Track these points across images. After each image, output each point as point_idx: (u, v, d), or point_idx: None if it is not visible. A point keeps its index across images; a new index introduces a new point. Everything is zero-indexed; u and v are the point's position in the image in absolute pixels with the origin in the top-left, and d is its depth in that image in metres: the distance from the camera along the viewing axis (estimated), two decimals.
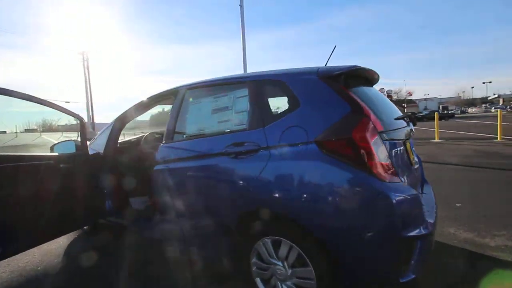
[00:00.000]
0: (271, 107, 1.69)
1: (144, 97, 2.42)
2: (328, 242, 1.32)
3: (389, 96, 23.60)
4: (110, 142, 2.71)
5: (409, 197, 1.32)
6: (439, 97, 77.48)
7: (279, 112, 1.62)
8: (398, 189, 1.30)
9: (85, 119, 2.77)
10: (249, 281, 1.66)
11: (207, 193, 1.77)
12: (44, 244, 2.32)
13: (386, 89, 31.97)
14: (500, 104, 60.25)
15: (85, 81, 27.46)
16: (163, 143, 2.07)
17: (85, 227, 2.96)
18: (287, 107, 1.62)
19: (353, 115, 1.36)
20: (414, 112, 32.73)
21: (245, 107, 1.74)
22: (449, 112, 37.71)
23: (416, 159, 1.96)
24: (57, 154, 2.32)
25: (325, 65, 1.81)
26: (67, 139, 2.77)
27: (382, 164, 1.31)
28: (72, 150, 2.49)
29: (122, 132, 2.84)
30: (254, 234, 1.59)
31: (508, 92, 77.27)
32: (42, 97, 2.14)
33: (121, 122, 2.71)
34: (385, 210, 1.25)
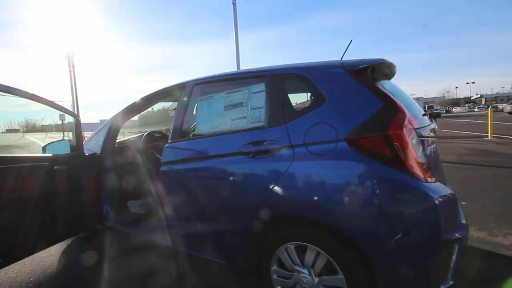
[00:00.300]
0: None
1: (143, 94, 2.27)
2: (363, 248, 1.21)
3: None
4: (107, 142, 2.53)
5: (448, 197, 1.23)
6: (424, 97, 79.48)
7: (300, 109, 1.51)
8: (438, 189, 1.21)
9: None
10: None
11: (221, 195, 1.64)
12: None
13: None
14: (483, 103, 62.28)
15: (70, 80, 26.58)
16: (170, 143, 1.93)
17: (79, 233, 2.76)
18: (309, 103, 1.51)
19: (387, 110, 1.26)
20: (432, 109, 33.17)
21: (262, 103, 1.62)
22: (435, 111, 38.60)
23: None
24: (51, 155, 2.14)
25: (341, 59, 1.72)
26: (55, 139, 2.59)
27: (420, 163, 1.22)
28: (67, 150, 2.31)
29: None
30: (275, 239, 1.47)
31: (489, 92, 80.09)
32: None
33: (119, 120, 2.54)
34: (428, 212, 1.16)
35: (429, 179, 1.22)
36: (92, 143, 2.66)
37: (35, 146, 16.87)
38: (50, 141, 2.39)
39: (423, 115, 1.60)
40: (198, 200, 1.76)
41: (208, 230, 1.73)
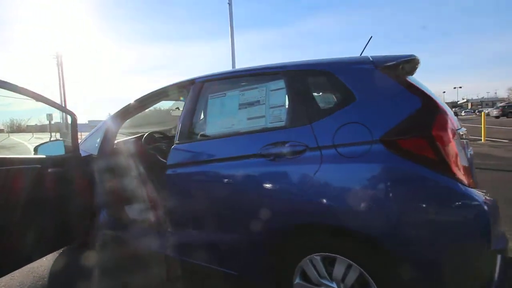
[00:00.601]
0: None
1: (137, 96, 2.12)
2: (403, 260, 1.10)
3: None
4: (105, 143, 2.36)
5: (492, 204, 1.13)
6: None
7: (326, 108, 1.39)
8: (481, 195, 1.11)
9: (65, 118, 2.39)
10: None
11: (235, 201, 1.51)
12: None
13: None
14: (469, 108, 63.97)
15: (59, 80, 25.88)
16: (177, 144, 1.78)
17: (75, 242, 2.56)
18: (336, 101, 1.40)
19: (427, 109, 1.16)
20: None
21: (282, 101, 1.50)
22: None
23: None
24: (44, 156, 1.96)
25: (360, 55, 1.63)
26: (42, 140, 2.40)
27: (464, 167, 1.12)
28: (61, 151, 2.13)
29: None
30: (299, 250, 1.35)
31: (475, 97, 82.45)
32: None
33: (119, 120, 2.37)
34: (477, 220, 1.06)
35: (472, 184, 1.12)
36: (88, 144, 2.48)
37: (21, 147, 16.28)
38: (37, 142, 2.20)
39: None
40: (209, 205, 1.62)
41: (220, 238, 1.59)
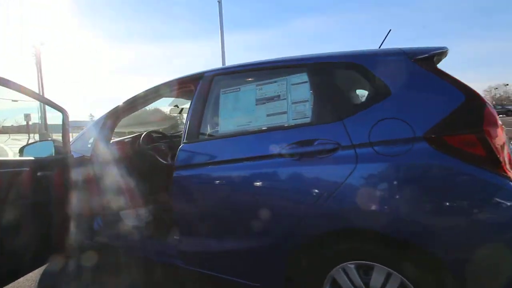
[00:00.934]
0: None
1: (154, 85, 1.94)
2: (454, 267, 1.01)
3: None
4: (100, 143, 2.16)
5: None
6: None
7: (357, 102, 1.29)
8: None
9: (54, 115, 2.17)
10: None
11: (255, 205, 1.37)
12: None
13: None
14: None
15: (38, 78, 24.67)
16: (185, 144, 1.62)
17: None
18: (368, 96, 1.30)
19: (473, 104, 1.08)
20: None
21: (306, 95, 1.39)
22: None
23: None
24: (32, 158, 1.75)
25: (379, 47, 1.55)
26: (20, 141, 2.19)
27: None
28: (50, 152, 1.92)
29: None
30: (330, 258, 1.23)
31: None
32: None
33: (115, 118, 2.18)
34: None
35: None
36: (79, 145, 2.27)
37: None
38: (14, 144, 1.99)
39: None
40: (225, 210, 1.47)
41: (240, 247, 1.44)
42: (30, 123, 25.25)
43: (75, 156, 2.04)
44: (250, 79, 1.59)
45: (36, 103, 25.58)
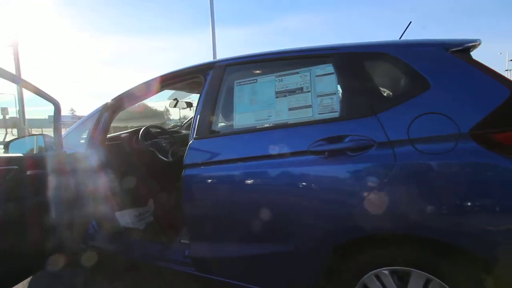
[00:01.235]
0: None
1: (154, 76, 1.78)
2: (506, 273, 0.94)
3: None
4: (95, 139, 1.98)
5: None
6: None
7: (392, 96, 1.20)
8: None
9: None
10: None
11: (283, 207, 1.26)
12: None
13: None
14: None
15: (15, 70, 23.39)
16: (196, 140, 1.49)
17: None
18: (404, 88, 1.21)
19: None
20: None
21: (333, 88, 1.28)
22: None
23: None
24: (20, 155, 1.57)
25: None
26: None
27: None
28: (40, 149, 1.74)
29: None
30: (362, 264, 1.15)
31: None
32: None
33: (113, 111, 2.00)
34: None
35: None
36: (71, 140, 2.08)
37: None
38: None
39: None
40: (244, 213, 1.35)
41: (260, 252, 1.33)
42: (7, 117, 23.94)
43: (68, 153, 1.86)
44: (268, 69, 1.47)
45: (12, 97, 24.27)
